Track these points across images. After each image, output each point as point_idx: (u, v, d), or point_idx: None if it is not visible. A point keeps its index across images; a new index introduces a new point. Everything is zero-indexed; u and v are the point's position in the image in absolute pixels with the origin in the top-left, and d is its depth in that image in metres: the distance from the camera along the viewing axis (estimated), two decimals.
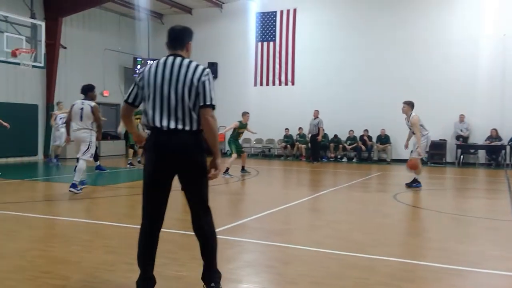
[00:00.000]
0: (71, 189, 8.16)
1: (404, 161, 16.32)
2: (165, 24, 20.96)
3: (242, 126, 11.72)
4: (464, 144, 16.04)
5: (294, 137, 18.39)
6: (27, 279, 3.73)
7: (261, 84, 19.19)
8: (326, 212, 7.37)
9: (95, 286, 3.56)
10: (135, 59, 19.92)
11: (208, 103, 3.18)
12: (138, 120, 12.55)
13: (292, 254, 4.68)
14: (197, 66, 3.24)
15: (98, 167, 11.51)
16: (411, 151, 9.70)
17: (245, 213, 6.70)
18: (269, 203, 7.72)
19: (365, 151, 17.35)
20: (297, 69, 18.64)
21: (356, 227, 5.98)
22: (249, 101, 18.10)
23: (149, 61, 20.10)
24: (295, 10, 18.61)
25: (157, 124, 3.17)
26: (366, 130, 17.16)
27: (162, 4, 19.09)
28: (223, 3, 19.53)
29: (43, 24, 13.62)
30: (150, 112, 3.21)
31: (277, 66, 18.97)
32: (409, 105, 9.46)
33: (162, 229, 3.64)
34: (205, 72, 3.23)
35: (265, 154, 19.26)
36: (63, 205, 7.72)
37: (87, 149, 8.40)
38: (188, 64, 3.23)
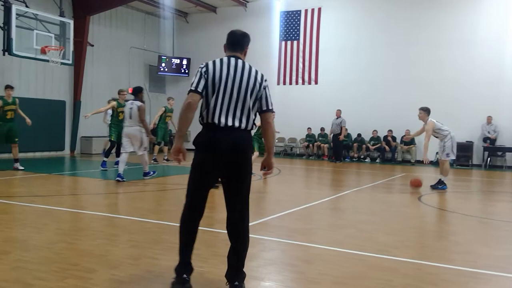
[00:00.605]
0: (145, 177, 9.87)
1: (430, 162, 16.11)
2: (189, 22, 21.14)
3: None
4: (492, 146, 15.69)
5: (317, 137, 18.31)
6: (54, 270, 3.82)
7: (284, 83, 19.16)
8: (349, 212, 7.31)
9: (120, 279, 3.63)
10: (159, 57, 20.15)
11: (270, 107, 3.43)
12: (169, 118, 12.63)
13: (314, 253, 4.67)
14: (257, 71, 3.40)
15: (103, 164, 11.63)
16: (436, 153, 9.57)
17: (267, 211, 6.70)
18: (291, 202, 7.71)
19: (389, 152, 17.14)
20: (321, 68, 18.54)
21: (380, 228, 5.92)
22: (272, 100, 18.01)
23: (173, 59, 20.35)
24: (319, 9, 18.51)
25: (216, 120, 3.25)
26: (390, 131, 16.96)
27: (187, 3, 19.24)
28: (248, 2, 19.57)
29: (71, 22, 13.90)
30: (210, 108, 3.27)
31: (300, 65, 18.91)
32: (425, 111, 9.41)
33: None
34: (265, 78, 3.43)
35: (287, 153, 19.23)
36: (88, 199, 7.89)
37: (141, 144, 9.57)
38: (250, 68, 3.37)
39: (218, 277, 3.58)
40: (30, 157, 14.63)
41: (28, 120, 11.00)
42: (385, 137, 17.11)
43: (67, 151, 16.73)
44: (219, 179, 3.45)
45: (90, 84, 17.35)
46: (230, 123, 3.26)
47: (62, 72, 16.06)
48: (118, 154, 11.17)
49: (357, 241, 5.14)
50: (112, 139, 11.56)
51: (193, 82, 3.28)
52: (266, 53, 19.07)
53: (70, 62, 13.88)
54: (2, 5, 12.42)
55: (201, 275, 3.74)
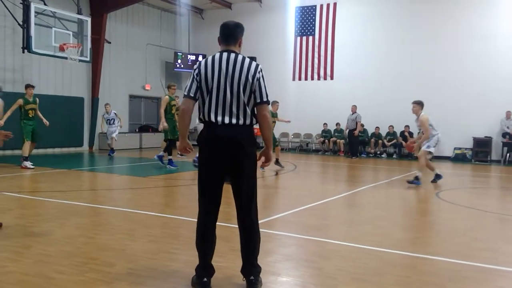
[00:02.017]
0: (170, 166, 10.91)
1: (446, 158, 15.94)
2: (205, 19, 21.19)
3: (272, 115, 11.59)
4: (511, 142, 15.40)
5: (332, 132, 18.23)
6: (74, 264, 3.89)
7: (300, 79, 19.09)
8: (365, 208, 7.27)
9: (139, 274, 3.67)
10: (175, 54, 20.26)
11: (264, 99, 3.32)
12: (175, 108, 12.07)
13: (331, 249, 4.66)
14: (250, 62, 3.32)
15: (170, 162, 11.35)
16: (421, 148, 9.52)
17: (283, 207, 6.71)
18: (307, 198, 7.70)
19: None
20: (337, 63, 18.42)
21: (397, 224, 5.88)
22: (287, 96, 18.03)
23: (189, 56, 20.44)
24: (335, 4, 18.37)
25: (213, 119, 3.25)
26: (407, 126, 16.77)
27: None
28: None
29: (89, 19, 14.06)
30: (206, 107, 3.28)
31: (316, 60, 18.82)
32: (419, 104, 9.33)
33: None
34: (259, 69, 3.33)
35: (303, 148, 19.19)
36: (107, 194, 7.99)
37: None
38: (242, 60, 3.29)
39: (235, 272, 3.60)
40: (50, 153, 14.88)
41: (45, 121, 10.99)
42: (402, 133, 16.93)
43: (85, 147, 16.97)
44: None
45: (107, 81, 17.55)
46: (226, 120, 3.25)
47: (80, 69, 16.27)
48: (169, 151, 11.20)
49: (374, 237, 5.12)
50: (169, 137, 11.18)
51: (186, 86, 3.32)
52: (281, 49, 19.01)
53: (88, 59, 14.05)
54: (21, 3, 12.62)
55: (219, 270, 3.76)
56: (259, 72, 3.32)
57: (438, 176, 9.63)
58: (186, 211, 6.22)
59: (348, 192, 8.57)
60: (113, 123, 14.93)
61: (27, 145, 10.73)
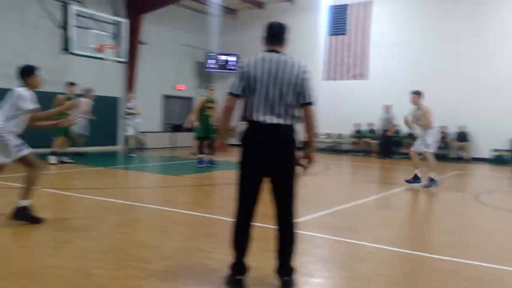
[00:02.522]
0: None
1: (484, 160, 15.46)
2: (237, 19, 21.30)
3: (209, 100, 11.44)
4: None
5: (365, 132, 17.99)
6: (113, 260, 4.00)
7: (332, 78, 18.93)
8: (400, 211, 7.16)
9: (174, 271, 3.74)
10: (208, 54, 20.46)
11: (310, 100, 3.35)
12: (210, 110, 11.48)
13: (364, 251, 4.61)
14: (296, 63, 3.33)
15: (210, 162, 11.45)
16: (417, 144, 9.13)
17: (315, 208, 6.67)
18: (339, 199, 7.64)
19: (444, 149, 16.54)
20: (371, 62, 18.14)
21: (433, 227, 5.76)
22: (318, 95, 17.81)
23: (220, 56, 20.60)
24: (369, 2, 18.12)
25: (258, 118, 3.26)
26: (444, 127, 16.36)
27: (235, 0, 19.40)
28: None
29: (125, 21, 14.38)
30: (251, 106, 3.29)
31: (349, 59, 18.61)
32: (418, 94, 9.19)
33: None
34: (305, 70, 3.35)
35: (334, 149, 19.01)
36: (141, 192, 8.17)
37: None
38: (289, 61, 3.31)
39: (268, 271, 3.61)
40: (86, 151, 15.30)
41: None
42: None
43: (120, 146, 17.36)
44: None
45: (142, 81, 17.88)
46: (272, 120, 3.26)
47: (116, 69, 16.65)
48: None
49: (409, 240, 5.03)
50: (200, 135, 11.32)
51: (231, 84, 3.31)
52: (313, 48, 18.87)
53: (124, 60, 14.37)
54: (61, 5, 13.03)
55: (252, 270, 3.79)
56: (305, 73, 3.35)
57: (416, 178, 8.98)
58: (219, 210, 6.28)
59: (380, 194, 8.45)
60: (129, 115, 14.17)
61: (59, 141, 11.02)
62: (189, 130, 14.65)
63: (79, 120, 13.14)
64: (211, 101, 11.35)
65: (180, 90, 19.92)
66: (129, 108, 14.23)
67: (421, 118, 9.03)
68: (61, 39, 13.03)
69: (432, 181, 8.76)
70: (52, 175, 9.50)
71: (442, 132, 16.27)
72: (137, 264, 3.86)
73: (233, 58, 20.75)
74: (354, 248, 4.71)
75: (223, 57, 20.73)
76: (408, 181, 9.07)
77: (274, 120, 3.26)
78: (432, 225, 5.93)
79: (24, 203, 5.03)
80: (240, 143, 3.38)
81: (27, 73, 5.18)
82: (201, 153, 11.36)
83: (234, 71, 20.60)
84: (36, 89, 5.31)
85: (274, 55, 3.33)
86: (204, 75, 21.05)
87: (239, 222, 3.41)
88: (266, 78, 3.25)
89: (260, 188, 3.38)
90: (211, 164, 11.34)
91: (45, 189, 7.24)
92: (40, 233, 4.84)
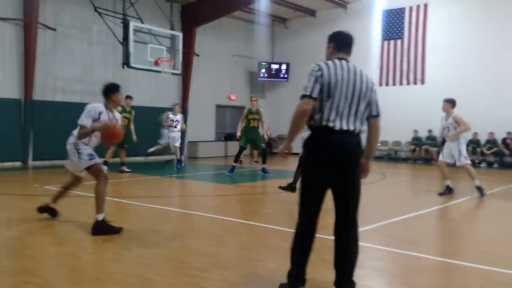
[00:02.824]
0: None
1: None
2: (288, 28, 21.38)
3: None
4: None
5: (424, 139, 17.38)
6: (170, 267, 4.10)
7: (387, 84, 18.49)
8: (462, 222, 6.83)
9: (231, 280, 3.77)
10: (259, 64, 20.66)
11: (379, 113, 3.36)
12: (254, 122, 11.48)
13: (425, 264, 4.43)
14: (365, 74, 3.34)
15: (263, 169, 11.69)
16: (446, 153, 8.82)
17: (373, 218, 6.51)
18: (397, 210, 7.41)
19: (509, 156, 15.65)
20: (428, 67, 17.58)
21: (499, 240, 5.44)
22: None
23: (272, 65, 20.73)
24: (425, 5, 17.59)
25: (331, 124, 3.18)
26: (510, 133, 15.50)
27: (285, 9, 19.50)
28: (348, 3, 19.26)
29: (180, 34, 14.83)
30: (325, 112, 3.19)
31: (405, 64, 18.12)
32: (450, 102, 8.96)
33: (290, 229, 3.60)
34: (373, 81, 3.38)
35: (391, 157, 18.50)
36: (197, 200, 8.33)
37: None
38: (359, 71, 3.31)
39: (324, 283, 3.56)
40: (144, 161, 15.85)
41: (134, 137, 11.62)
42: (504, 140, 15.67)
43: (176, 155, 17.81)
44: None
45: (196, 92, 18.35)
46: (345, 127, 3.19)
47: (171, 81, 17.21)
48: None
49: (472, 253, 4.79)
50: (241, 145, 11.55)
51: (307, 86, 3.18)
52: (366, 54, 18.53)
53: (179, 72, 14.80)
54: (121, 22, 13.67)
55: (309, 281, 3.75)
56: (373, 84, 3.36)
57: (449, 189, 8.83)
58: (273, 220, 6.28)
59: (442, 205, 8.09)
60: (176, 127, 13.32)
61: (111, 150, 11.44)
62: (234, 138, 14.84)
63: (174, 133, 13.30)
64: (255, 113, 11.40)
65: (232, 99, 20.24)
66: (172, 121, 13.30)
67: (451, 127, 8.85)
68: (121, 54, 13.64)
69: (480, 190, 8.58)
70: (115, 184, 9.91)
71: (506, 139, 15.44)
72: (195, 273, 3.93)
73: (285, 67, 20.83)
74: (414, 261, 4.54)
75: (275, 66, 20.86)
76: (441, 194, 8.80)
77: (346, 126, 3.20)
78: (496, 237, 5.60)
79: (100, 217, 5.27)
80: (309, 148, 3.29)
81: (112, 90, 5.49)
82: (236, 162, 11.64)
83: (285, 80, 20.69)
84: (119, 105, 5.78)
85: (346, 63, 3.29)
86: (256, 84, 21.26)
87: (301, 233, 3.33)
88: (341, 85, 3.18)
89: (324, 197, 3.31)
90: (265, 173, 11.41)
91: (108, 198, 7.54)
92: (104, 240, 5.05)
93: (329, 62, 3.26)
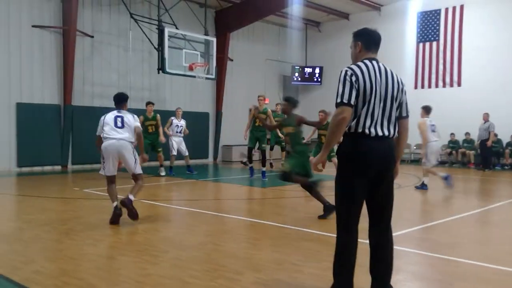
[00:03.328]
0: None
1: None
2: (321, 31, 21.26)
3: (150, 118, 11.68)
4: None
5: (461, 143, 16.89)
6: (205, 270, 4.14)
7: (422, 87, 18.08)
8: (504, 227, 6.58)
9: (266, 284, 3.77)
10: (293, 67, 20.63)
11: (409, 114, 3.29)
12: (260, 121, 11.38)
13: (467, 270, 4.30)
14: (395, 74, 3.24)
15: (251, 170, 12.03)
16: None
17: (410, 222, 6.37)
18: (434, 213, 7.24)
19: None
20: (465, 69, 17.08)
21: None
22: (408, 105, 17.14)
23: (305, 68, 20.65)
24: (462, 6, 17.12)
25: (367, 130, 3.07)
26: None
27: (319, 12, 19.41)
28: (381, 5, 18.99)
29: (214, 39, 15.00)
30: (360, 118, 3.08)
31: (441, 67, 17.67)
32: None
33: (323, 233, 3.60)
34: (403, 82, 3.28)
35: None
36: (230, 204, 8.39)
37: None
38: (390, 71, 3.21)
39: None
40: (180, 165, 16.08)
41: (162, 138, 11.73)
42: None
43: (210, 159, 18.03)
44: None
45: (230, 96, 18.50)
46: (380, 132, 3.10)
47: (206, 86, 17.42)
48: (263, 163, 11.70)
49: None
50: (249, 145, 11.87)
51: (343, 93, 3.02)
52: (400, 57, 18.19)
53: (213, 76, 14.97)
54: (156, 28, 13.96)
55: None
56: (404, 85, 3.27)
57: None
58: (307, 223, 6.23)
59: (481, 208, 7.84)
60: (180, 132, 12.77)
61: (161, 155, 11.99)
62: (276, 143, 14.82)
63: (178, 138, 12.79)
64: (262, 112, 11.43)
65: (266, 103, 20.23)
66: (177, 126, 12.70)
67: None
68: (157, 60, 13.92)
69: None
70: (151, 187, 10.11)
71: None
72: (230, 275, 3.95)
73: (318, 70, 20.73)
74: (453, 266, 4.42)
75: (309, 70, 20.79)
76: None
77: (381, 132, 3.11)
78: None
79: (131, 197, 5.96)
80: (345, 155, 3.16)
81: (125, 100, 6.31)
82: (251, 162, 11.85)
83: (318, 83, 20.58)
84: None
85: (378, 64, 3.17)
86: (289, 88, 21.23)
87: (344, 242, 3.18)
88: (375, 89, 3.07)
89: (362, 204, 3.20)
90: (263, 177, 11.42)
91: (145, 201, 7.72)
92: (139, 242, 5.15)
93: (361, 65, 3.11)
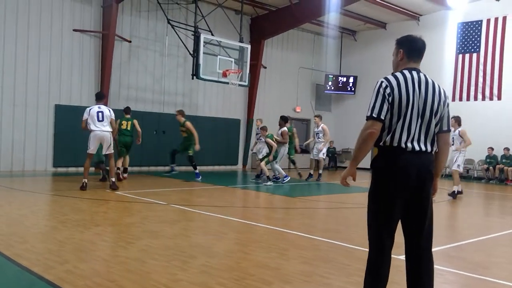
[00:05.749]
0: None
1: None
2: (357, 40, 21.07)
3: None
4: None
5: (499, 158, 16.32)
6: (234, 278, 4.12)
7: (461, 99, 17.62)
8: None
9: None
10: (326, 76, 20.50)
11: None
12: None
13: None
14: (438, 85, 3.08)
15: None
16: None
17: (444, 239, 6.18)
18: (470, 231, 6.99)
19: None
20: (505, 82, 16.55)
21: None
22: None
23: (339, 78, 20.48)
24: (504, 18, 16.62)
25: (403, 145, 2.94)
26: None
27: (355, 21, 19.25)
28: (420, 15, 18.67)
29: (248, 46, 15.09)
30: (395, 132, 2.95)
31: (480, 79, 17.19)
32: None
33: (353, 246, 3.45)
34: (446, 94, 3.12)
35: (463, 175, 17.52)
36: (259, 212, 8.36)
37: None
38: (432, 82, 3.05)
39: None
40: (210, 170, 16.20)
41: (197, 147, 11.88)
42: None
43: (239, 166, 18.07)
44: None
45: (262, 103, 18.54)
46: (417, 147, 2.95)
47: (238, 93, 17.52)
48: None
49: None
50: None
51: (374, 106, 2.91)
52: (439, 68, 17.83)
53: (246, 83, 15.04)
54: (192, 34, 14.17)
55: None
56: (447, 97, 3.09)
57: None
58: (336, 235, 6.14)
59: None
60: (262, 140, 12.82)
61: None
62: (305, 151, 14.76)
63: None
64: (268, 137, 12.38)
65: (297, 112, 20.21)
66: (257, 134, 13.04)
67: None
68: (191, 65, 14.12)
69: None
70: (182, 192, 10.21)
71: None
72: (258, 285, 3.92)
73: (352, 80, 20.53)
74: (490, 286, 4.24)
75: (343, 79, 20.61)
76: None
77: (419, 146, 2.96)
78: None
79: (113, 179, 7.76)
80: (379, 170, 3.03)
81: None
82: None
83: (352, 93, 20.37)
84: None
85: (418, 75, 3.02)
86: (323, 97, 21.12)
87: (377, 262, 3.02)
88: (414, 103, 2.93)
89: (397, 223, 3.06)
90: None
91: (175, 205, 7.79)
92: (169, 246, 5.19)
93: (399, 76, 2.97)
